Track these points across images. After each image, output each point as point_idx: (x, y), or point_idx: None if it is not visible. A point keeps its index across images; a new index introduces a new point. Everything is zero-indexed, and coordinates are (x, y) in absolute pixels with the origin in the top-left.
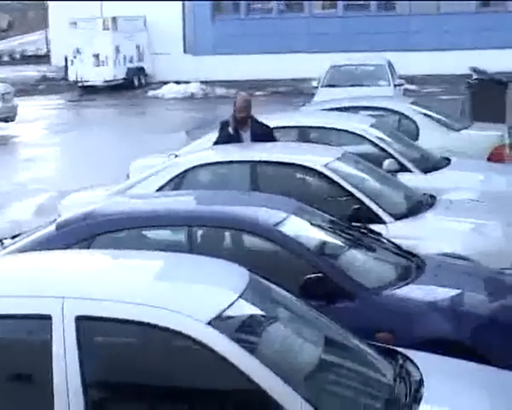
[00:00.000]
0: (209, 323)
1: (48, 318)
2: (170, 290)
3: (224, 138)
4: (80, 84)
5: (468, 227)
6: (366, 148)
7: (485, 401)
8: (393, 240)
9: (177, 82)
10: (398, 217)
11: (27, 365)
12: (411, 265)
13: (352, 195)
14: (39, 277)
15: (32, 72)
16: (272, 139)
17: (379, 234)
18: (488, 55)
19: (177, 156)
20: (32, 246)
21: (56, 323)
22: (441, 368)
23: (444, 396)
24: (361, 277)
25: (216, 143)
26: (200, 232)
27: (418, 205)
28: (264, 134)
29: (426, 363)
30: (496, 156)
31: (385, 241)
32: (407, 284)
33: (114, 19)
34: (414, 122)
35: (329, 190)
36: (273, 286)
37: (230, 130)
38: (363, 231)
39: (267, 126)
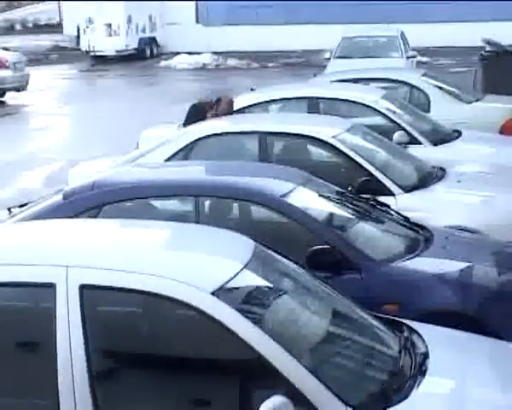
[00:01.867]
0: (213, 293)
1: (52, 286)
2: (174, 260)
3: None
4: (92, 54)
5: (478, 200)
6: (377, 119)
7: (491, 373)
8: (402, 212)
9: (189, 53)
10: (407, 189)
11: (31, 333)
12: (419, 237)
13: (361, 166)
14: (44, 245)
15: (44, 41)
16: None
17: (387, 206)
18: (502, 27)
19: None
20: (39, 215)
21: (60, 291)
22: (447, 340)
23: (449, 369)
24: (368, 249)
25: (186, 125)
26: (207, 203)
27: (428, 177)
28: None
29: (432, 335)
30: (508, 129)
31: (393, 213)
32: (415, 256)
33: None
34: (425, 94)
35: (338, 162)
36: (278, 257)
37: None
38: (371, 202)
39: None
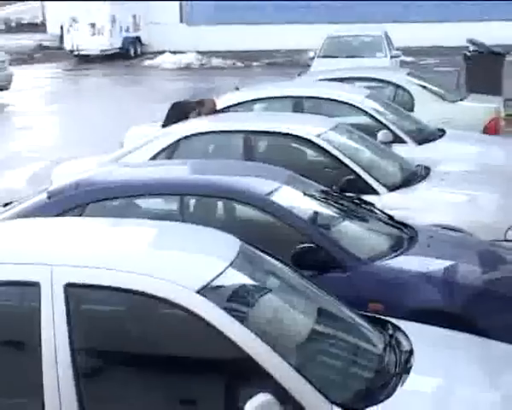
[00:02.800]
0: (198, 291)
1: (36, 285)
2: (159, 259)
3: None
4: (76, 53)
5: (462, 199)
6: (361, 119)
7: (475, 371)
8: (386, 211)
9: (173, 52)
10: (391, 188)
11: (16, 332)
12: (404, 236)
13: (345, 165)
14: (29, 244)
15: (27, 40)
16: None
17: (372, 205)
18: (486, 27)
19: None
20: (23, 214)
21: (45, 290)
22: (432, 339)
23: (434, 367)
24: (353, 247)
25: (165, 125)
26: (192, 201)
27: (412, 176)
28: None
29: (416, 333)
30: (491, 128)
31: (378, 212)
32: (399, 254)
33: None
34: (409, 93)
35: (322, 161)
36: (264, 255)
37: None
38: (355, 201)
39: None
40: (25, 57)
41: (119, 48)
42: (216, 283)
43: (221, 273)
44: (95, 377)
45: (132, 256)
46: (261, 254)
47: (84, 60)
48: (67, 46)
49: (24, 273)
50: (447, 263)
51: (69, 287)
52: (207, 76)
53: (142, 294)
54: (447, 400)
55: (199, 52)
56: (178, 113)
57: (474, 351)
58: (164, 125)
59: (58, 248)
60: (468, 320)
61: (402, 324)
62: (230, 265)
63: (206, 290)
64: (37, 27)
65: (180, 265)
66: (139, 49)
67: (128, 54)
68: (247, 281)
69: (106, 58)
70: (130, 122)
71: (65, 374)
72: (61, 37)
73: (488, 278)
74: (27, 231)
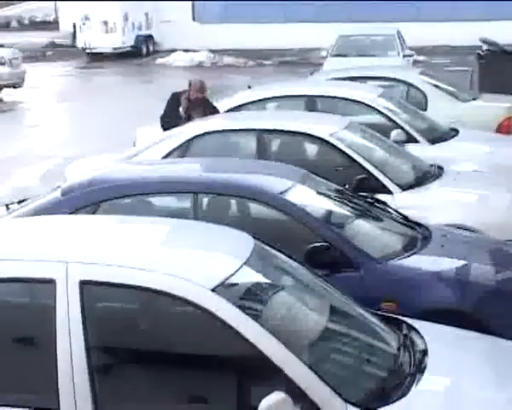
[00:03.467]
0: (213, 289)
1: (52, 282)
2: (174, 257)
3: (173, 115)
4: (88, 51)
5: (475, 198)
6: (374, 118)
7: (489, 371)
8: (400, 210)
9: (186, 50)
10: (404, 187)
11: (31, 328)
12: (417, 235)
13: (358, 164)
14: (44, 241)
15: (40, 38)
16: None
17: (385, 204)
18: (499, 26)
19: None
20: (37, 211)
21: (60, 287)
22: (446, 338)
23: (448, 366)
24: (367, 246)
25: (164, 115)
26: (205, 200)
27: (425, 176)
28: (211, 114)
29: (430, 333)
30: (504, 128)
31: (391, 211)
32: (413, 254)
33: None
34: (422, 93)
35: (336, 160)
36: (278, 254)
37: (181, 111)
38: (369, 200)
39: (217, 110)
40: (37, 55)
41: (132, 46)
42: (231, 281)
43: (236, 271)
44: (109, 373)
45: (147, 254)
46: (275, 252)
47: (97, 58)
48: (80, 44)
49: (39, 270)
50: (460, 263)
51: (84, 284)
52: (219, 74)
53: (157, 292)
54: (461, 400)
55: (211, 50)
56: (174, 102)
57: (487, 351)
58: (163, 116)
59: (73, 246)
60: (481, 320)
61: (416, 323)
62: (245, 263)
63: (221, 288)
64: (50, 25)
65: (195, 263)
66: (151, 48)
67: (140, 52)
68: (262, 279)
69: (118, 56)
70: (142, 120)
71: (79, 370)
72: (74, 34)
73: (501, 277)
74: (42, 228)
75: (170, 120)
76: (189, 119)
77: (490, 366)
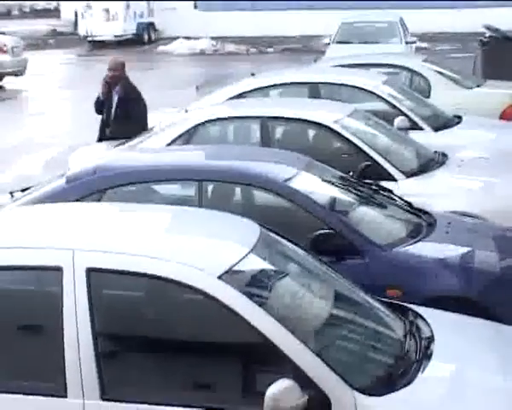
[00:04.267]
0: (220, 277)
1: (59, 269)
2: (181, 244)
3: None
4: (90, 39)
5: (479, 185)
6: (378, 105)
7: (494, 357)
8: (404, 197)
9: (187, 38)
10: (409, 174)
11: (38, 316)
12: (422, 222)
13: (362, 151)
14: (51, 229)
15: (41, 26)
16: (135, 102)
17: (390, 191)
18: (502, 12)
19: (187, 111)
20: (41, 199)
21: (67, 275)
22: (451, 325)
23: (454, 353)
24: (372, 233)
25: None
26: (210, 187)
27: (429, 163)
28: (134, 97)
29: (436, 320)
30: (508, 115)
31: (396, 198)
32: (418, 241)
33: None
34: (426, 80)
35: (340, 147)
36: (284, 241)
37: (100, 95)
38: (374, 187)
39: (136, 90)
40: (39, 43)
41: (133, 34)
42: (237, 268)
43: (242, 259)
44: (116, 360)
45: (153, 242)
46: (281, 239)
47: (98, 46)
48: (81, 32)
49: (46, 258)
50: (465, 250)
51: (91, 271)
52: (221, 62)
53: (164, 279)
54: (467, 387)
55: (213, 38)
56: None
57: (492, 338)
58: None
59: (79, 233)
60: (486, 306)
61: (422, 310)
62: (251, 250)
63: (228, 276)
64: (52, 13)
65: (201, 250)
66: (153, 35)
67: (142, 40)
68: (268, 266)
69: (120, 44)
70: None
71: (86, 357)
72: (75, 22)
73: (506, 264)
74: (48, 216)
75: (97, 105)
76: (109, 100)
77: (495, 353)
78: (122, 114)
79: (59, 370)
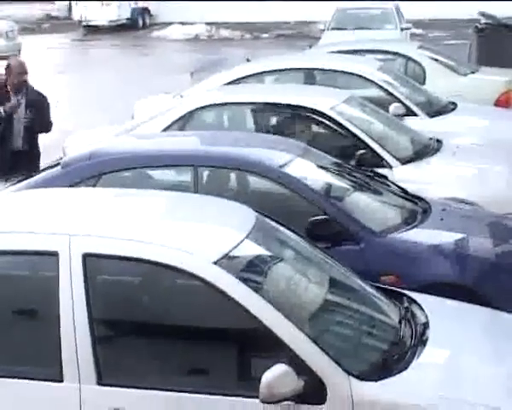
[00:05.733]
0: (215, 262)
1: (55, 254)
2: (177, 229)
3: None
4: (84, 24)
5: (474, 172)
6: (373, 91)
7: (489, 343)
8: (399, 184)
9: (182, 23)
10: (404, 161)
11: (35, 301)
12: (417, 209)
13: (358, 138)
14: (47, 214)
15: (35, 10)
16: (48, 108)
17: (385, 177)
18: None
19: (182, 97)
20: (37, 184)
21: (63, 260)
22: (446, 311)
23: (449, 339)
24: (367, 219)
25: None
26: (205, 173)
27: (424, 149)
28: (41, 102)
29: (432, 306)
30: (503, 102)
31: (391, 184)
32: (413, 227)
33: None
34: (421, 66)
35: (335, 133)
36: (279, 227)
37: (1, 110)
38: (369, 174)
39: (43, 96)
40: (33, 27)
41: (128, 19)
42: (233, 253)
43: (238, 244)
44: (112, 345)
45: (149, 227)
46: (276, 225)
47: (93, 30)
48: (76, 16)
49: (43, 243)
50: (460, 236)
51: (87, 256)
52: (216, 47)
53: (160, 264)
54: (462, 372)
55: (207, 23)
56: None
57: (487, 324)
58: None
59: (76, 219)
60: (481, 293)
61: (417, 296)
62: (247, 236)
63: (223, 261)
64: None
65: (197, 236)
66: (148, 21)
67: (136, 25)
68: (264, 252)
69: (114, 29)
70: (139, 93)
71: (83, 343)
72: (70, 7)
73: (500, 250)
74: (44, 201)
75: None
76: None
77: (490, 339)
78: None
79: (55, 355)
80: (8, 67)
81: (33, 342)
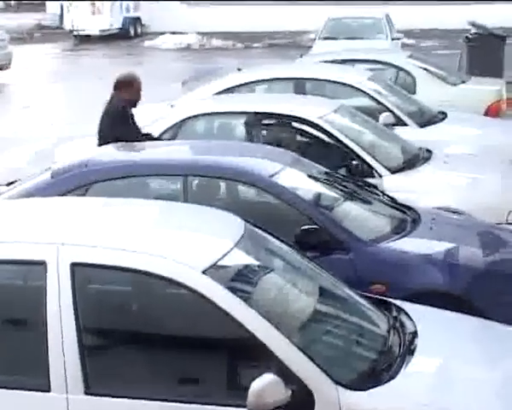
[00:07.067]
0: (204, 272)
1: (43, 264)
2: (165, 239)
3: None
4: (76, 33)
5: (464, 181)
6: (363, 101)
7: (477, 352)
8: (389, 193)
9: (174, 32)
10: (394, 170)
11: (23, 310)
12: (407, 218)
13: (348, 147)
14: (35, 223)
15: (26, 19)
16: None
17: (374, 187)
18: (487, 9)
19: (173, 107)
20: (27, 193)
21: (51, 269)
22: (435, 320)
23: (437, 348)
24: (356, 229)
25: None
26: (195, 182)
27: (414, 159)
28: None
29: (420, 315)
30: (493, 111)
31: (380, 194)
32: (402, 236)
33: None
34: (411, 76)
35: (325, 143)
36: (268, 236)
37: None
38: (359, 183)
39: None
40: (24, 37)
41: (119, 28)
42: (221, 263)
43: (227, 254)
44: (100, 355)
45: (138, 236)
46: (265, 234)
47: (84, 40)
48: (67, 26)
49: (31, 252)
50: (449, 245)
51: (75, 266)
52: (208, 57)
53: (148, 274)
54: (450, 381)
55: (199, 33)
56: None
57: (476, 333)
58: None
59: (64, 228)
60: (470, 302)
61: (405, 305)
62: (236, 245)
63: (212, 270)
64: (37, 7)
65: (186, 245)
66: (139, 30)
67: (128, 34)
68: (252, 262)
69: (106, 38)
70: None
71: (71, 352)
72: (61, 16)
73: (490, 259)
74: (33, 210)
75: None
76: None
77: (479, 348)
78: None
79: (43, 364)
80: (129, 83)
81: (21, 351)
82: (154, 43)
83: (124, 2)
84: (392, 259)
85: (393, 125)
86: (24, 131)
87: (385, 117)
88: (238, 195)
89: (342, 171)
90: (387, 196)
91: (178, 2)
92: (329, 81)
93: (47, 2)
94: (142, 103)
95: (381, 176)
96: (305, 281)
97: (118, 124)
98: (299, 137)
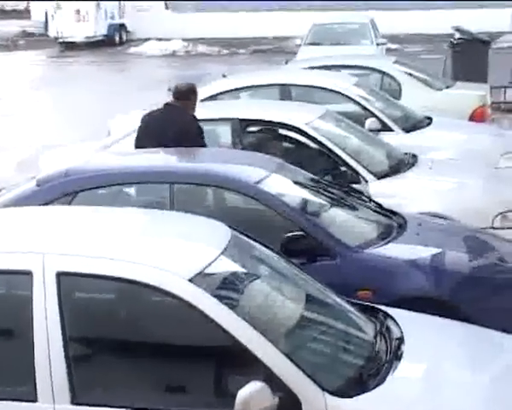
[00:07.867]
0: (190, 280)
1: (29, 273)
2: (151, 247)
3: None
4: (61, 40)
5: (450, 186)
6: (348, 106)
7: (464, 358)
8: (375, 199)
9: (159, 39)
10: (379, 176)
11: (8, 320)
12: (393, 223)
13: (333, 153)
14: (20, 232)
15: (11, 27)
16: None
17: (360, 192)
18: (472, 14)
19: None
20: (12, 202)
21: (37, 279)
22: (422, 325)
23: (424, 353)
24: (342, 235)
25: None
26: (181, 190)
27: (400, 164)
28: None
29: (406, 320)
30: (478, 116)
31: (366, 199)
32: (388, 242)
33: None
34: (396, 81)
35: (311, 149)
36: (255, 243)
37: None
38: (344, 189)
39: None
40: (8, 44)
41: (104, 35)
42: (208, 271)
43: (213, 261)
44: (87, 364)
45: (124, 245)
46: (251, 242)
47: (69, 47)
48: (52, 33)
49: (16, 262)
50: (435, 250)
51: (61, 275)
52: (193, 63)
53: (135, 282)
54: (437, 386)
55: (184, 39)
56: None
57: (463, 338)
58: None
59: (50, 237)
60: (457, 307)
61: (392, 311)
62: (222, 253)
63: (199, 278)
64: (22, 14)
65: (172, 253)
66: (124, 37)
67: (113, 41)
68: (239, 269)
69: (91, 45)
70: (115, 109)
71: (57, 362)
72: (46, 23)
73: (476, 264)
74: (18, 219)
75: None
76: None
77: (465, 353)
78: None
79: (29, 374)
80: (195, 91)
81: (7, 361)
82: (140, 50)
83: (109, 9)
84: (378, 265)
85: (379, 130)
86: (9, 139)
87: (370, 123)
88: (224, 202)
89: (328, 177)
90: (373, 201)
91: (163, 6)
92: (315, 87)
93: (32, 9)
94: (127, 111)
95: (366, 181)
96: (291, 288)
97: (201, 136)
98: (285, 144)
